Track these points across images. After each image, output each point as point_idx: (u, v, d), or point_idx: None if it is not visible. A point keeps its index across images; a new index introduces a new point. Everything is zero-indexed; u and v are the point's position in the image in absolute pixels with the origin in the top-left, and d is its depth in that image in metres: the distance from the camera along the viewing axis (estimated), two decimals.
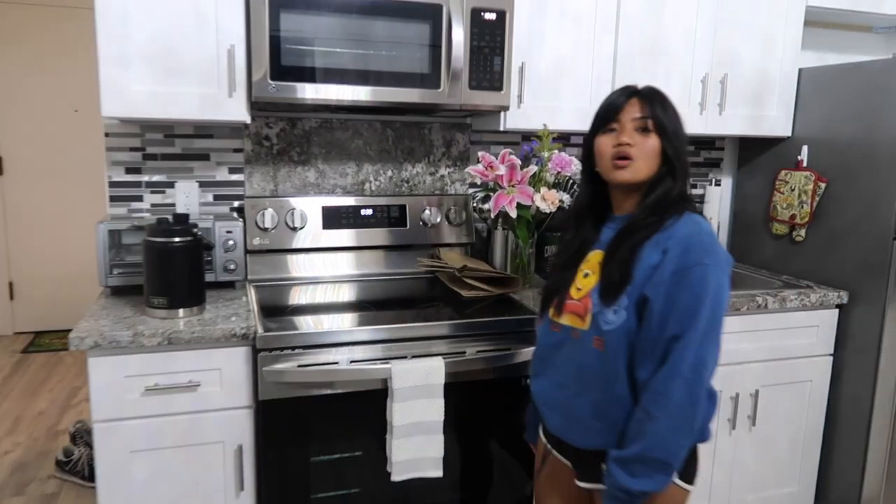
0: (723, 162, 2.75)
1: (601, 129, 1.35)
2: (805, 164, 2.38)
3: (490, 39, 1.97)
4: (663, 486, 1.23)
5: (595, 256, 1.35)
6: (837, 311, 2.27)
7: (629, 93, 1.33)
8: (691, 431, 1.24)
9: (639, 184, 1.32)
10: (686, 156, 1.34)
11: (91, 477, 2.67)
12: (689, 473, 1.35)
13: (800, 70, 2.40)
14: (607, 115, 1.34)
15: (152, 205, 2.16)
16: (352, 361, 1.70)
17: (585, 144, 1.40)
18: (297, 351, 1.67)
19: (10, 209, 4.47)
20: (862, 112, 2.19)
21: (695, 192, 2.71)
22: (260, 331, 1.65)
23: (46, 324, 4.64)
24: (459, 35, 1.91)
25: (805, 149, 2.38)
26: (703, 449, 2.11)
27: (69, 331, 4.74)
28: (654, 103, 1.31)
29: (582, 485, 1.39)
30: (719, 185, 2.69)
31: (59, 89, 4.41)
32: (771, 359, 2.21)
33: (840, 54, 2.74)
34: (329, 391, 1.70)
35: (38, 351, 4.28)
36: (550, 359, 1.40)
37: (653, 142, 1.30)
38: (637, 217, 1.31)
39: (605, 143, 1.34)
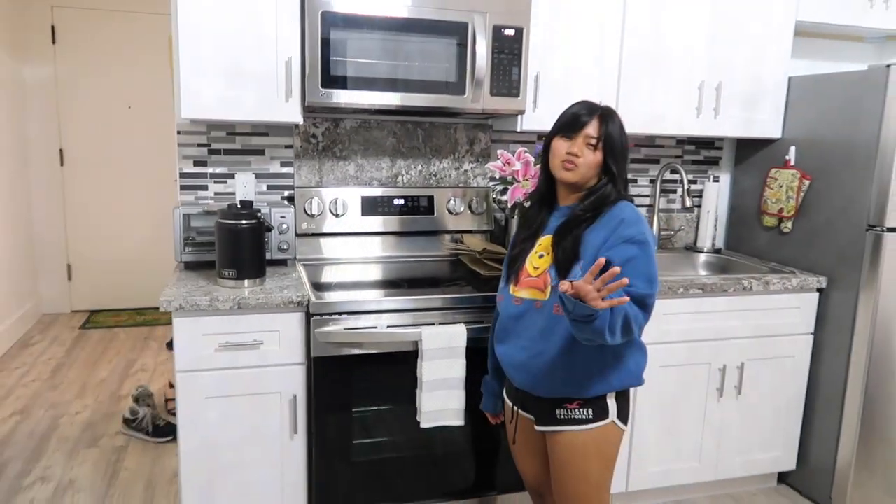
0: (721, 160, 3.02)
1: (560, 134, 1.64)
2: (792, 163, 2.65)
3: (509, 52, 2.27)
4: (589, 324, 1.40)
5: (546, 241, 1.66)
6: (818, 294, 2.54)
7: (592, 112, 1.62)
8: (625, 336, 1.48)
9: (579, 184, 1.63)
10: (626, 169, 1.65)
11: (154, 433, 3.05)
12: (624, 415, 1.66)
13: (789, 78, 2.67)
14: (569, 126, 1.62)
15: (215, 193, 2.50)
16: (388, 326, 2.03)
17: (546, 141, 1.69)
18: (343, 316, 1.99)
19: (69, 198, 4.88)
20: (842, 117, 2.45)
21: (695, 187, 2.99)
22: (313, 299, 1.98)
23: (100, 303, 5.06)
24: (483, 49, 2.21)
25: (793, 149, 2.65)
26: (691, 415, 2.43)
27: (122, 310, 5.17)
28: (609, 124, 1.60)
29: (539, 429, 1.70)
30: (717, 181, 2.97)
31: (115, 88, 4.81)
32: (756, 335, 2.48)
33: (834, 62, 2.99)
34: (369, 351, 2.02)
35: (95, 328, 4.69)
36: (513, 327, 1.69)
37: (597, 157, 1.60)
38: (577, 210, 1.62)
39: (559, 146, 1.63)
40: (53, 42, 4.65)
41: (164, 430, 3.06)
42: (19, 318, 4.47)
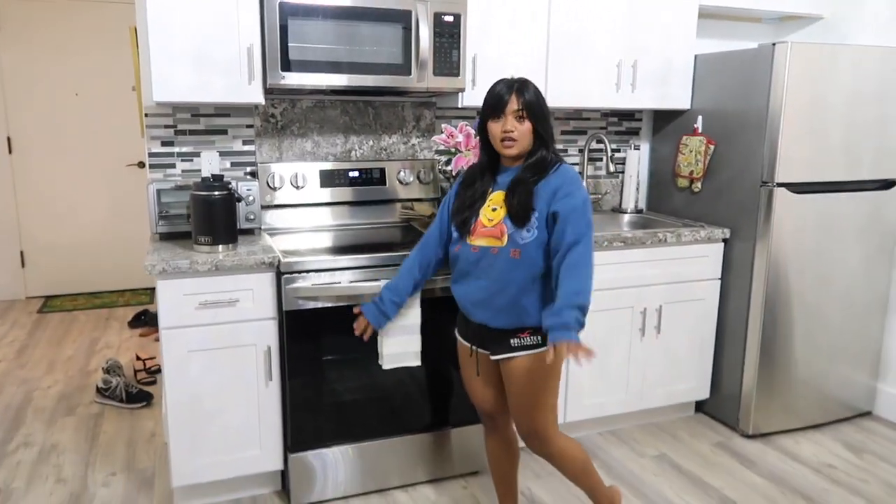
0: (641, 130, 3.38)
1: (491, 117, 1.91)
2: (700, 130, 3.01)
3: (449, 36, 2.54)
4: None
5: (498, 196, 1.93)
6: (723, 244, 2.92)
7: (509, 88, 1.88)
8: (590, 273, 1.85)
9: (522, 154, 1.92)
10: (552, 129, 1.92)
11: (127, 400, 3.24)
12: None
13: (696, 56, 3.02)
14: (495, 107, 1.89)
15: (182, 171, 2.70)
16: (351, 281, 2.30)
17: (480, 124, 1.96)
18: (310, 274, 2.25)
19: (20, 184, 4.93)
20: (739, 89, 2.82)
21: (618, 155, 3.34)
22: (282, 259, 2.23)
23: (55, 289, 5.14)
24: (425, 33, 2.48)
25: (700, 118, 3.01)
26: (619, 353, 2.77)
27: (78, 294, 5.28)
28: (525, 94, 1.87)
29: (496, 358, 2.00)
30: (638, 149, 3.32)
31: (61, 76, 4.87)
32: (672, 281, 2.85)
33: (736, 41, 3.36)
34: (334, 304, 2.29)
35: (52, 311, 4.78)
36: (472, 270, 1.98)
37: (527, 125, 1.88)
38: (525, 171, 1.91)
39: (494, 128, 1.90)
40: None
41: (138, 397, 3.25)
42: None
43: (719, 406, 3.06)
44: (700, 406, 3.16)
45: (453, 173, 2.64)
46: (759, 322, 2.83)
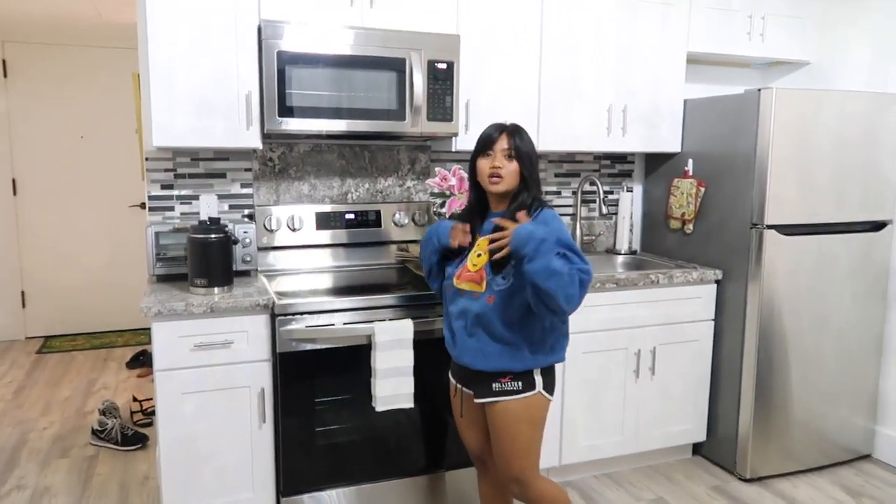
0: (634, 172, 3.44)
1: (481, 154, 1.98)
2: (690, 173, 3.06)
3: (442, 83, 2.60)
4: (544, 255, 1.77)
5: (483, 242, 1.97)
6: (715, 285, 2.94)
7: (500, 129, 1.96)
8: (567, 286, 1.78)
9: (507, 192, 1.97)
10: (537, 173, 1.98)
11: (123, 442, 3.23)
12: (550, 387, 2.00)
13: (685, 100, 3.09)
14: (485, 145, 1.96)
15: (181, 213, 2.75)
16: (345, 323, 2.32)
17: (471, 163, 2.03)
18: (304, 316, 2.27)
19: (23, 226, 4.99)
20: (727, 133, 2.88)
21: (612, 197, 3.38)
22: (277, 301, 2.26)
23: (55, 329, 5.15)
24: (419, 80, 2.55)
25: (690, 161, 3.07)
26: (613, 394, 2.77)
27: (77, 335, 5.28)
28: (516, 137, 1.94)
29: (478, 401, 2.01)
30: (631, 191, 3.37)
31: (67, 119, 4.97)
32: (665, 323, 2.86)
33: (724, 86, 3.44)
34: (328, 346, 2.31)
35: (51, 352, 4.79)
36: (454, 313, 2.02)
37: (514, 165, 1.94)
38: (507, 217, 1.94)
39: (483, 164, 1.97)
40: (5, 76, 4.79)
41: (133, 439, 3.24)
42: None
43: (716, 449, 3.04)
44: (697, 449, 3.14)
45: (447, 216, 2.68)
46: (754, 363, 2.83)
